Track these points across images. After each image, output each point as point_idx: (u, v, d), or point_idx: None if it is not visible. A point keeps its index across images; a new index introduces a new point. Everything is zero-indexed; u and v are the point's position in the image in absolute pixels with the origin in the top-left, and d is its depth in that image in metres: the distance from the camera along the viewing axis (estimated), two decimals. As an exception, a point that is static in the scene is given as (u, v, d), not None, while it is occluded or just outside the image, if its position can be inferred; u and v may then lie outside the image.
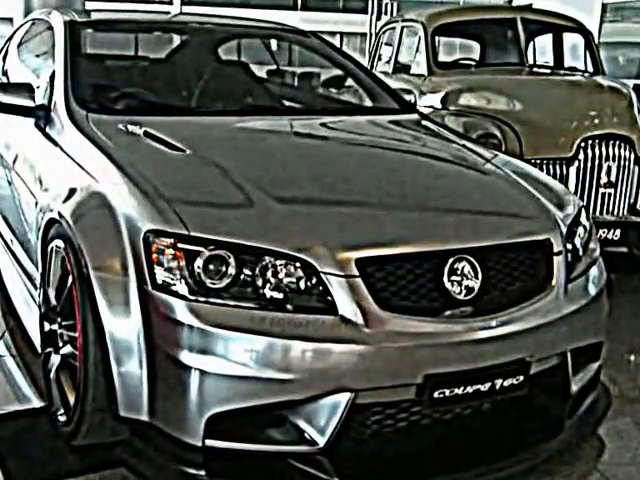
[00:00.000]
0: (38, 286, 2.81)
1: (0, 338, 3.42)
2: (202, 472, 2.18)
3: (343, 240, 2.23)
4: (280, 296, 2.17)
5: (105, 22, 4.13)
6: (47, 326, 2.69)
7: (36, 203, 2.92)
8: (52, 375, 2.61)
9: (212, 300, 2.14)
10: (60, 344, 2.59)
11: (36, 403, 2.85)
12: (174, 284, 2.16)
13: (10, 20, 8.34)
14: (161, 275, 2.17)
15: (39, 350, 2.78)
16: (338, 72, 4.18)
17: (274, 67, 4.76)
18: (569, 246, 2.58)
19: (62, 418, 2.52)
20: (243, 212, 2.36)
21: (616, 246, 4.66)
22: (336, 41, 23.29)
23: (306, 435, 2.17)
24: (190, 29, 4.18)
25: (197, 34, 4.13)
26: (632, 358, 3.55)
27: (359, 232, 2.30)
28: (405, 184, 2.74)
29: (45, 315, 2.71)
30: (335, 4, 26.15)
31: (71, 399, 2.47)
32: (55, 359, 2.61)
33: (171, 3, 15.23)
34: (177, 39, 4.25)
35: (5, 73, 4.47)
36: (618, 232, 4.59)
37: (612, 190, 4.67)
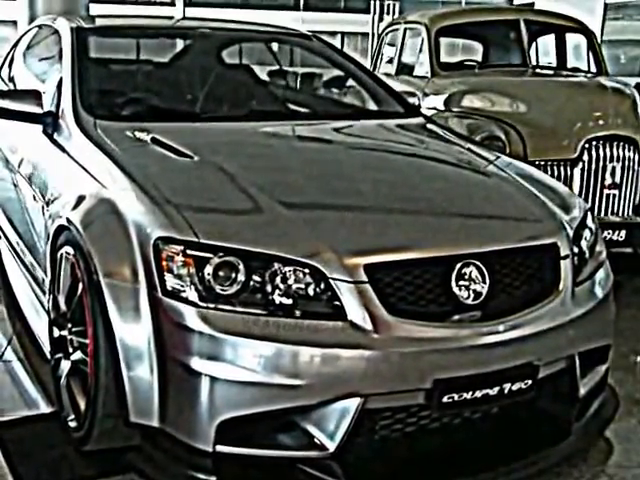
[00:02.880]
0: (47, 292, 2.82)
1: (8, 344, 3.43)
2: (212, 478, 2.19)
3: (352, 246, 2.24)
4: (289, 302, 2.18)
5: (111, 28, 4.12)
6: (57, 332, 2.70)
7: (44, 210, 2.93)
8: (62, 381, 2.62)
9: (222, 306, 2.15)
10: (70, 350, 2.60)
11: (45, 408, 2.85)
12: (184, 291, 2.17)
13: (14, 23, 8.36)
14: (171, 282, 2.18)
15: (48, 356, 2.79)
16: (340, 73, 4.19)
17: (275, 68, 4.76)
18: (576, 249, 2.58)
19: (73, 424, 2.53)
20: (252, 218, 2.37)
21: (621, 247, 4.66)
22: (337, 41, 23.34)
23: (316, 440, 2.18)
24: (195, 34, 4.18)
25: (202, 39, 4.13)
26: (639, 360, 3.55)
27: (368, 238, 2.31)
28: (413, 189, 2.75)
29: (55, 321, 2.71)
30: (336, 4, 26.19)
31: (82, 405, 2.48)
32: (65, 365, 2.62)
33: (173, 4, 15.25)
34: (182, 44, 4.25)
35: (11, 79, 4.48)
36: (623, 233, 4.60)
37: (617, 191, 4.68)
